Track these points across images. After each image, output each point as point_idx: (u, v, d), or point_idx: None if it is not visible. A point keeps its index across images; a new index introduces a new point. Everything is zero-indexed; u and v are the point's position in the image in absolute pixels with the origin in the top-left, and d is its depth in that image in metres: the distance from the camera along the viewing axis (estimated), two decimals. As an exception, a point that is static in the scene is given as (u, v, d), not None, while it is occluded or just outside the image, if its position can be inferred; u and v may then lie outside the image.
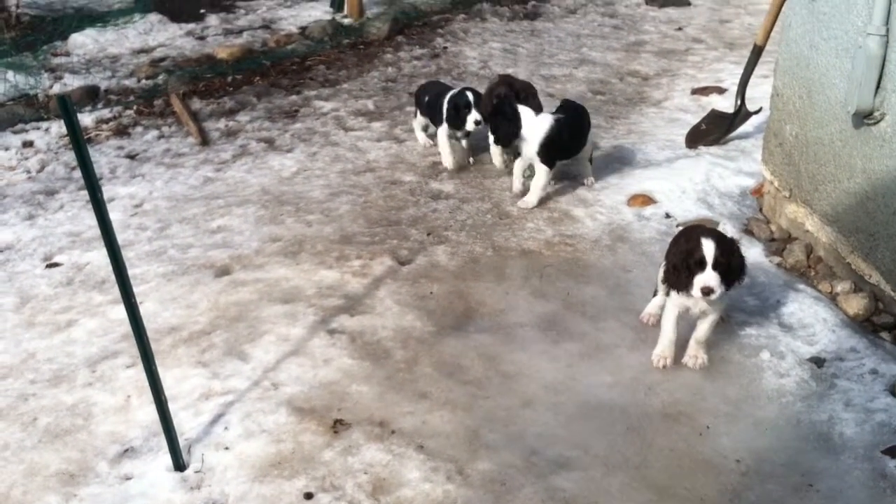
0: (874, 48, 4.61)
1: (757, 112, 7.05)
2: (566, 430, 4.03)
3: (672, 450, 3.90)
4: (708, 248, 4.06)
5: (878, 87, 4.68)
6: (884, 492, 3.65)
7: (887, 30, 4.57)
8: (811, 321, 4.67)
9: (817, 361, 4.42)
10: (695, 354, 4.44)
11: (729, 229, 5.69)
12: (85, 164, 3.26)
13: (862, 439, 3.90)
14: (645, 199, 6.19)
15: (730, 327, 4.71)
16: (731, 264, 4.12)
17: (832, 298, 5.00)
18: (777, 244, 5.65)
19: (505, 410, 4.14)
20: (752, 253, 5.44)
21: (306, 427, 4.00)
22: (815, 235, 5.47)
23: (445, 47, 9.86)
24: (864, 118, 4.82)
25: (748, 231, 5.80)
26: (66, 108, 3.16)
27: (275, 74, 9.23)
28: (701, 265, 4.07)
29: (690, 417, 4.09)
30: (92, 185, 3.30)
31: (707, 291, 4.07)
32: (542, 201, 6.15)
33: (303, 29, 10.23)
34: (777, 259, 5.44)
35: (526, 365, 4.46)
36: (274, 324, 4.76)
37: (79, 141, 3.23)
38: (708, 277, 4.06)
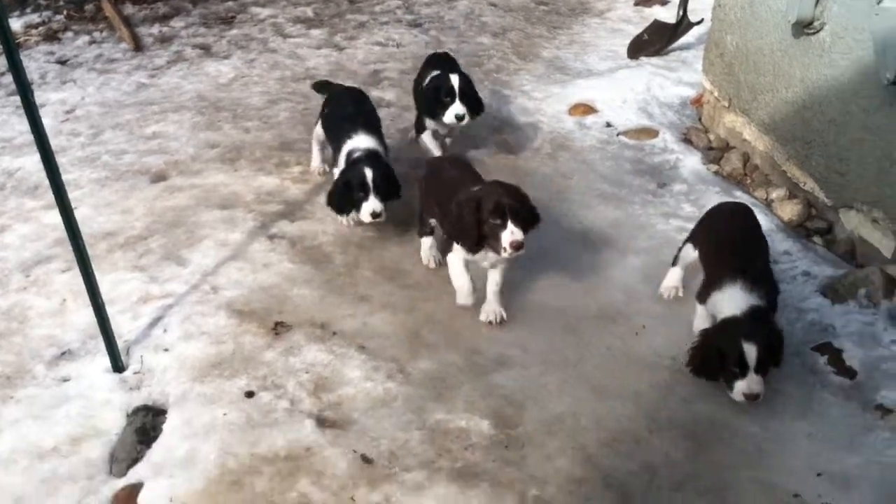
0: (815, -44, 4.63)
1: (699, 23, 7.04)
2: (505, 330, 4.08)
3: (608, 348, 3.98)
4: (750, 351, 3.52)
5: (818, -4, 4.72)
6: (813, 386, 3.78)
7: (829, -62, 4.59)
8: (746, 226, 4.75)
9: (751, 264, 4.51)
10: None
11: (668, 138, 5.75)
12: (16, 67, 3.15)
13: (793, 337, 4.01)
14: (586, 109, 6.20)
15: (666, 233, 4.78)
16: (776, 360, 3.66)
17: (767, 205, 5.10)
18: (715, 153, 5.72)
19: (445, 312, 4.18)
20: (691, 161, 5.51)
21: (247, 329, 3.99)
22: (752, 144, 5.54)
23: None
24: (804, 28, 4.85)
25: (687, 140, 5.86)
26: (-6, 9, 3.03)
27: (210, -20, 8.95)
28: (742, 368, 3.55)
29: (627, 318, 4.17)
30: (24, 88, 3.19)
31: (753, 398, 3.56)
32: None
33: (239, -67, 9.88)
34: (714, 167, 5.51)
35: (467, 269, 4.48)
36: (212, 229, 4.70)
37: (10, 44, 3.12)
38: (752, 384, 3.55)
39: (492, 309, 4.12)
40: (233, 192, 5.07)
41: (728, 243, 3.99)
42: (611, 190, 5.23)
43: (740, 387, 3.54)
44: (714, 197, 5.06)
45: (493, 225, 3.76)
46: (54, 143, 5.48)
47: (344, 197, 4.54)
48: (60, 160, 5.19)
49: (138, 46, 7.41)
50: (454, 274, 4.15)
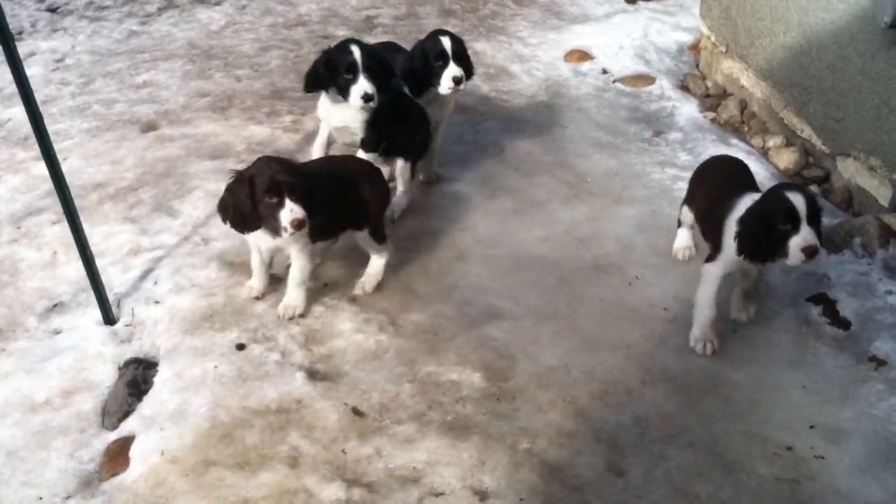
0: None
1: (698, -34, 6.94)
2: (498, 282, 4.06)
3: (601, 300, 3.96)
4: (798, 201, 3.29)
5: (817, -65, 4.64)
6: (807, 337, 3.77)
7: None
8: (742, 175, 4.71)
9: (746, 213, 4.48)
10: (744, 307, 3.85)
11: (665, 85, 5.68)
12: (-3, 16, 3.10)
13: (788, 287, 4.01)
14: (582, 55, 6.12)
15: (662, 182, 4.74)
16: (820, 217, 3.41)
17: (764, 153, 5.06)
18: (712, 100, 5.66)
19: (439, 263, 4.15)
20: (687, 109, 5.46)
21: (238, 281, 3.96)
22: (749, 91, 5.48)
23: None
24: (801, -31, 4.79)
25: (684, 87, 5.80)
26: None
27: (202, -77, 8.79)
28: (794, 221, 3.28)
29: (620, 269, 4.15)
30: (4, 36, 3.13)
31: (811, 252, 3.28)
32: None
33: None
34: (711, 115, 5.46)
35: (460, 220, 4.46)
36: (203, 179, 4.65)
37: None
38: (808, 235, 3.26)
39: (287, 302, 3.81)
40: (224, 142, 5.01)
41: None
42: (606, 138, 5.18)
43: (796, 242, 3.26)
44: (710, 146, 5.01)
45: (269, 204, 3.41)
46: (44, 92, 5.51)
47: (326, 80, 4.10)
48: (50, 110, 5.21)
49: (129, -8, 7.31)
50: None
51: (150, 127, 5.21)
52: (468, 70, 4.44)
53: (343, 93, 4.05)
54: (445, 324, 3.79)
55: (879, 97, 4.35)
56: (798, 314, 3.87)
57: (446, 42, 4.34)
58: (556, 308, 3.91)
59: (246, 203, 3.42)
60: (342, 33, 6.45)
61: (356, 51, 4.00)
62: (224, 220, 3.55)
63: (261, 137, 5.05)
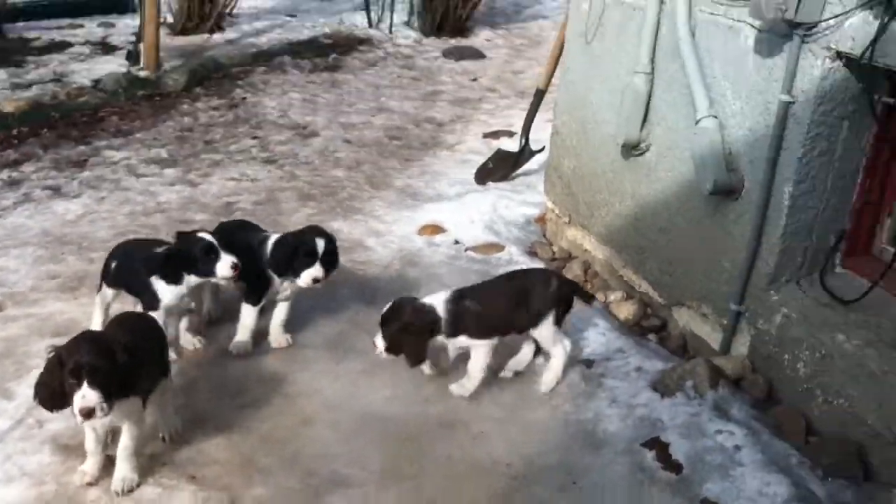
0: (640, 85, 4.99)
1: (540, 151, 7.34)
2: (344, 446, 3.99)
3: (447, 458, 3.93)
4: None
5: (644, 121, 5.05)
6: (641, 483, 3.78)
7: (652, 68, 4.93)
8: (584, 327, 4.87)
9: (587, 363, 4.60)
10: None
11: (514, 251, 5.92)
12: None
13: (624, 434, 4.06)
14: (435, 229, 6.36)
15: (511, 339, 4.83)
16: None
17: (606, 307, 5.26)
18: (558, 263, 5.94)
19: (283, 431, 4.07)
20: (534, 272, 5.65)
21: (71, 466, 3.76)
22: (592, 254, 5.74)
23: (244, 98, 9.79)
24: (631, 149, 5.16)
25: (532, 252, 6.07)
26: None
27: (64, 126, 8.87)
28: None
29: (466, 424, 4.14)
30: None
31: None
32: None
33: (96, 82, 9.91)
34: (557, 276, 5.66)
35: (308, 384, 4.43)
36: (43, 358, 4.46)
37: None
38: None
39: (121, 475, 3.67)
40: (70, 319, 4.92)
41: None
42: (455, 302, 5.28)
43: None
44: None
45: (70, 385, 3.29)
46: None
47: (290, 261, 4.51)
48: None
49: (-16, 192, 7.25)
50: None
51: (-7, 311, 5.08)
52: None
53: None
54: (288, 497, 3.68)
55: (706, 254, 4.63)
56: (633, 460, 3.89)
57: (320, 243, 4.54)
58: (401, 470, 3.84)
59: (54, 381, 3.36)
60: (200, 218, 6.52)
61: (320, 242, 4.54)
62: (34, 397, 3.46)
63: (110, 312, 4.96)
